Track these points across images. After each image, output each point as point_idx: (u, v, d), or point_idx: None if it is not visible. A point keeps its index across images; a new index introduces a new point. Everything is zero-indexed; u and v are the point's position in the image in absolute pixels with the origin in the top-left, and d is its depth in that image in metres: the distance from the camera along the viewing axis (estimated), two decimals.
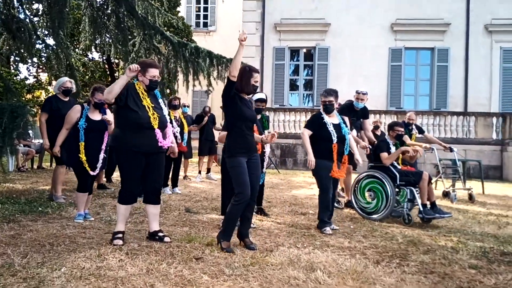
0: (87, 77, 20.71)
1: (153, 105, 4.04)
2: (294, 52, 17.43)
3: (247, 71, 4.08)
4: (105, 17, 11.47)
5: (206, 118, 9.60)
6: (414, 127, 8.49)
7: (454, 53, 16.09)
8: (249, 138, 4.09)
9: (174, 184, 7.50)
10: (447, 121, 14.04)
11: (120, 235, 4.04)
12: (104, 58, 21.17)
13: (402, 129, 5.85)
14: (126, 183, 4.06)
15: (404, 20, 16.26)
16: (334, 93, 5.10)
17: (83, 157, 4.80)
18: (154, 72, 4.05)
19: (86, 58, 20.27)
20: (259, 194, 5.69)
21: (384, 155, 5.66)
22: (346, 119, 5.90)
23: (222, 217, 5.01)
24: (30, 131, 10.82)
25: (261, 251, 3.98)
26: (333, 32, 16.75)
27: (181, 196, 7.11)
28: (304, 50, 17.33)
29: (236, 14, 24.94)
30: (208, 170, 10.16)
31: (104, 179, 7.98)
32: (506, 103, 15.83)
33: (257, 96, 5.41)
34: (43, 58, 17.51)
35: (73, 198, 6.43)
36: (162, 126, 4.06)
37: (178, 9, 21.17)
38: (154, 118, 3.97)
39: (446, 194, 8.10)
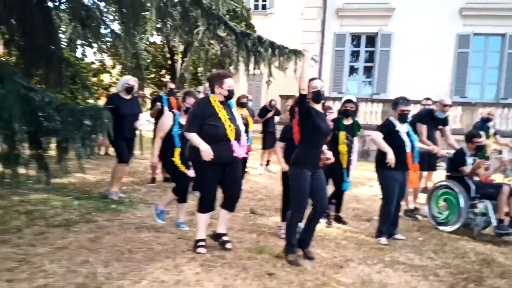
0: (148, 60, 21.26)
1: (228, 116, 4.13)
2: (355, 38, 16.98)
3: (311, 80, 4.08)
4: (171, 7, 11.65)
5: (271, 113, 9.68)
6: (492, 126, 7.98)
7: None
8: (318, 153, 4.11)
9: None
10: None
11: (203, 243, 4.20)
12: (164, 42, 21.58)
13: (481, 140, 5.60)
14: (205, 193, 4.21)
15: (474, 4, 15.34)
16: (410, 103, 4.97)
17: (177, 160, 4.87)
18: (230, 82, 4.13)
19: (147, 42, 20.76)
20: (338, 202, 5.78)
21: (464, 169, 5.49)
22: (424, 128, 5.82)
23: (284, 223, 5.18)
24: None
25: (331, 266, 4.02)
26: (397, 17, 16.10)
27: (244, 193, 7.22)
28: (366, 35, 16.84)
29: None
30: (268, 163, 10.25)
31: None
32: None
33: (346, 97, 5.41)
34: (108, 43, 18.19)
35: (143, 193, 6.76)
36: (238, 137, 4.15)
37: None
38: (230, 130, 4.07)
39: None
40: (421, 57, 15.75)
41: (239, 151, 4.13)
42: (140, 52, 12.63)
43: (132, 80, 6.26)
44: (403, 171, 4.89)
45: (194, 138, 4.05)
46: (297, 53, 11.95)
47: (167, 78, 22.19)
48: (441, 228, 5.53)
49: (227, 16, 13.93)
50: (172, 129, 4.94)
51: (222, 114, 4.09)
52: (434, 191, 5.75)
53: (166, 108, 7.19)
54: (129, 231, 4.73)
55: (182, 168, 4.86)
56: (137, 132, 6.79)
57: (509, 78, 15.27)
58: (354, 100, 5.48)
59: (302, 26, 22.38)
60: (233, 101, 4.43)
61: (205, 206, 4.20)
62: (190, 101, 4.95)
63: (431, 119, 6.26)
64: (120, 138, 6.07)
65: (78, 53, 18.39)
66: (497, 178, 6.38)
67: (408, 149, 4.83)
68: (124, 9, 10.11)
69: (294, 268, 3.88)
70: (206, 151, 3.96)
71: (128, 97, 6.26)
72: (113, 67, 20.87)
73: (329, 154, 4.32)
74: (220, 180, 4.20)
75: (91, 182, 7.53)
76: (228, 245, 4.28)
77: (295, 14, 25.81)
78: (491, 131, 7.95)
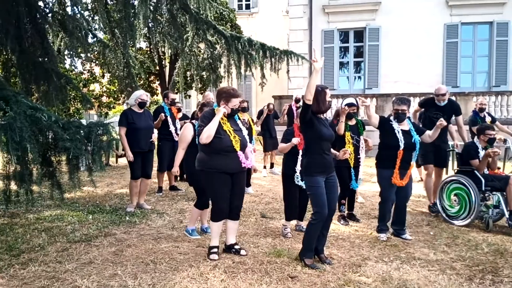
0: (137, 67, 21.18)
1: (233, 128, 4.24)
2: (343, 34, 17.11)
3: (319, 91, 4.12)
4: (159, 15, 11.66)
5: (264, 114, 9.79)
6: (486, 114, 8.12)
7: None
8: (327, 158, 4.19)
9: (247, 184, 7.67)
10: (509, 101, 13.48)
11: (216, 250, 4.31)
12: (151, 47, 21.47)
13: (494, 132, 5.70)
14: (217, 202, 4.29)
15: None
16: (408, 102, 4.99)
17: None
18: (236, 102, 4.26)
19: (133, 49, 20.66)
20: (351, 200, 5.90)
21: (475, 162, 5.59)
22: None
23: (294, 222, 5.32)
24: None
25: (350, 266, 4.12)
26: (384, 10, 16.27)
27: (251, 197, 7.32)
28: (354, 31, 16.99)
29: None
30: (272, 165, 10.33)
31: (176, 183, 8.29)
32: None
33: (347, 101, 5.50)
34: (95, 52, 18.07)
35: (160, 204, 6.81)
36: (243, 147, 4.27)
37: None
38: (236, 141, 4.18)
39: None
40: (410, 49, 15.94)
41: (246, 161, 4.26)
42: (131, 61, 12.59)
43: (144, 95, 6.37)
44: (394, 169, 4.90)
45: (206, 128, 4.08)
46: (288, 54, 12.04)
47: (156, 84, 22.16)
48: (453, 222, 5.64)
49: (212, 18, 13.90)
50: (194, 140, 4.94)
51: (227, 127, 4.21)
52: (445, 185, 5.85)
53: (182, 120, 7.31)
54: (148, 242, 4.80)
55: None
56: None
57: (499, 65, 15.52)
58: (355, 102, 5.57)
59: (288, 24, 22.50)
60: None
61: (218, 214, 4.31)
62: None
63: (432, 106, 6.27)
64: (137, 152, 6.19)
65: (67, 64, 18.33)
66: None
67: (401, 147, 4.83)
68: (113, 20, 10.15)
69: (316, 269, 3.97)
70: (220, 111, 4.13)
71: (141, 111, 6.34)
72: (102, 76, 20.78)
73: (346, 150, 4.47)
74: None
75: (99, 195, 7.58)
76: (242, 252, 4.40)
77: (279, 12, 25.96)
78: (488, 119, 8.04)
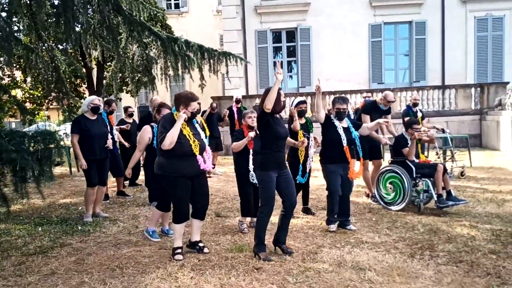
0: (66, 71, 20.37)
1: (192, 132, 4.39)
2: (276, 34, 17.65)
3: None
4: (90, 17, 11.35)
5: (207, 113, 10.01)
6: (418, 110, 8.86)
7: (431, 25, 16.68)
8: (281, 154, 4.49)
9: None
10: (429, 95, 14.69)
11: (179, 250, 4.48)
12: (76, 48, 20.69)
13: (419, 127, 6.32)
14: (179, 205, 4.44)
15: None
16: (348, 101, 5.45)
17: None
18: (195, 105, 4.40)
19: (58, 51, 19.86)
20: (305, 194, 6.26)
21: (406, 150, 6.17)
22: (368, 118, 6.44)
23: (249, 219, 5.57)
24: None
25: (307, 254, 4.48)
26: (314, 11, 17.04)
27: None
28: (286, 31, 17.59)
29: None
30: (214, 166, 10.53)
31: (126, 184, 8.26)
32: (481, 72, 16.66)
33: (299, 99, 5.86)
34: (16, 57, 17.11)
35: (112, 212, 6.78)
36: (202, 151, 4.43)
37: None
38: (195, 145, 4.32)
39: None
40: (339, 48, 16.83)
41: (204, 164, 4.43)
42: (60, 64, 12.21)
43: (96, 100, 6.18)
44: (343, 164, 5.30)
45: (169, 134, 4.18)
46: (227, 55, 12.27)
47: (83, 87, 21.41)
48: (390, 208, 6.22)
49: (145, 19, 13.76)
50: (153, 142, 5.00)
51: (187, 131, 4.35)
52: (381, 175, 6.42)
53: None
54: (108, 249, 4.86)
55: None
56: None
57: (419, 62, 16.85)
58: (304, 99, 5.99)
59: (220, 24, 22.69)
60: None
61: (180, 217, 4.46)
62: (166, 111, 4.96)
63: (374, 109, 6.89)
64: (92, 160, 6.05)
65: None
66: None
67: (344, 144, 5.25)
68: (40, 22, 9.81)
69: (276, 260, 4.29)
70: (181, 117, 4.26)
71: (94, 117, 6.16)
72: (24, 81, 19.77)
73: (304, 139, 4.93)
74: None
75: (42, 207, 7.39)
76: (205, 250, 4.63)
77: (210, 12, 26.11)
78: (419, 114, 8.81)
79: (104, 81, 19.56)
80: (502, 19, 16.50)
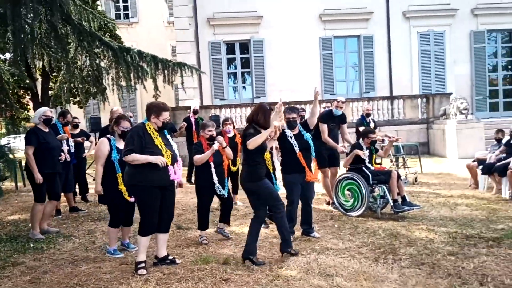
0: (10, 81, 19.40)
1: (164, 142, 4.32)
2: (229, 46, 17.72)
3: (267, 109, 4.62)
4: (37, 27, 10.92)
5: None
6: (371, 120, 9.14)
7: (378, 39, 17.36)
8: (264, 165, 4.71)
9: None
10: (379, 105, 15.22)
11: (143, 265, 4.32)
12: (22, 58, 19.81)
13: (375, 136, 6.52)
14: (149, 216, 4.31)
15: (331, 10, 17.19)
16: (297, 110, 5.52)
17: (122, 187, 4.75)
18: (166, 115, 4.33)
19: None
20: None
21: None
22: (325, 126, 6.56)
23: (206, 231, 5.46)
24: None
25: (274, 262, 4.47)
26: (266, 24, 17.27)
27: None
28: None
29: (159, 4, 24.63)
30: None
31: (78, 199, 7.93)
32: (425, 83, 17.51)
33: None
34: None
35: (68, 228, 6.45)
36: (174, 161, 4.35)
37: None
38: (167, 156, 4.25)
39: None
40: (292, 60, 17.13)
41: (175, 175, 4.36)
42: (3, 75, 11.65)
43: (48, 112, 5.94)
44: (301, 173, 5.33)
45: (138, 156, 4.14)
46: (182, 66, 12.17)
47: (27, 98, 20.51)
48: (350, 214, 6.33)
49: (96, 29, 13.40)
50: (111, 155, 4.83)
51: (159, 141, 4.28)
52: (339, 183, 6.54)
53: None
54: (65, 267, 4.63)
55: (126, 194, 4.77)
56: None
57: (368, 74, 17.46)
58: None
59: (172, 35, 22.46)
60: None
61: (148, 228, 4.34)
62: (125, 124, 4.89)
63: (331, 118, 7.03)
64: (47, 174, 5.78)
65: None
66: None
67: (297, 150, 5.26)
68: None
69: (244, 271, 4.24)
70: (159, 159, 4.14)
71: (46, 129, 5.92)
72: None
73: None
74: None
75: None
76: (177, 261, 4.55)
77: (161, 22, 25.88)
78: (372, 125, 9.08)
79: (50, 92, 18.85)
80: (442, 34, 17.45)
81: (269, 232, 5.71)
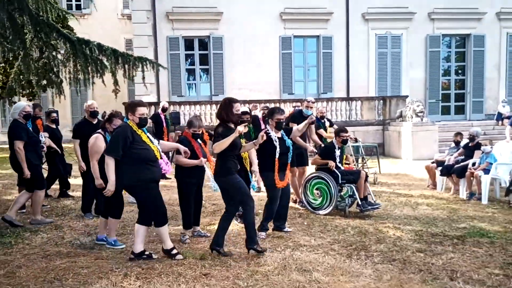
0: None
1: (149, 138, 4.40)
2: (188, 41, 17.52)
3: (227, 104, 4.62)
4: None
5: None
6: (326, 120, 9.37)
7: (337, 40, 17.72)
8: (235, 160, 4.72)
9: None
10: (337, 106, 15.62)
11: (175, 251, 4.58)
12: None
13: (348, 134, 6.67)
14: (160, 207, 4.43)
15: (291, 9, 17.38)
16: (284, 112, 5.60)
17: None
18: (143, 110, 4.39)
19: None
20: None
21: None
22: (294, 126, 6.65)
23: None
24: None
25: (251, 258, 4.53)
26: (226, 21, 17.21)
27: (134, 206, 7.12)
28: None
29: None
30: None
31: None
32: (381, 85, 18.06)
33: (242, 109, 5.87)
34: None
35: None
36: (161, 156, 4.47)
37: None
38: (157, 150, 4.38)
39: None
40: (251, 58, 17.17)
41: (166, 168, 4.53)
42: None
43: (28, 107, 6.02)
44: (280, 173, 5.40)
45: (110, 166, 4.24)
46: (143, 61, 11.95)
47: None
48: (318, 212, 6.50)
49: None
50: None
51: (145, 138, 4.36)
52: (308, 181, 6.68)
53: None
54: (39, 261, 4.54)
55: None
56: None
57: (326, 75, 17.80)
58: (248, 110, 6.07)
59: (127, 29, 21.96)
60: None
61: (163, 219, 4.50)
62: (118, 122, 4.95)
63: (302, 118, 7.14)
64: (36, 165, 5.96)
65: None
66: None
67: (276, 156, 5.29)
68: None
69: (222, 266, 4.29)
70: (112, 184, 4.30)
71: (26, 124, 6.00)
72: None
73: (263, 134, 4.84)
74: None
75: None
76: (154, 256, 4.58)
77: (115, 15, 25.20)
78: (327, 124, 9.31)
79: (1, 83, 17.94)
80: (400, 37, 18.03)
81: (240, 228, 5.71)
